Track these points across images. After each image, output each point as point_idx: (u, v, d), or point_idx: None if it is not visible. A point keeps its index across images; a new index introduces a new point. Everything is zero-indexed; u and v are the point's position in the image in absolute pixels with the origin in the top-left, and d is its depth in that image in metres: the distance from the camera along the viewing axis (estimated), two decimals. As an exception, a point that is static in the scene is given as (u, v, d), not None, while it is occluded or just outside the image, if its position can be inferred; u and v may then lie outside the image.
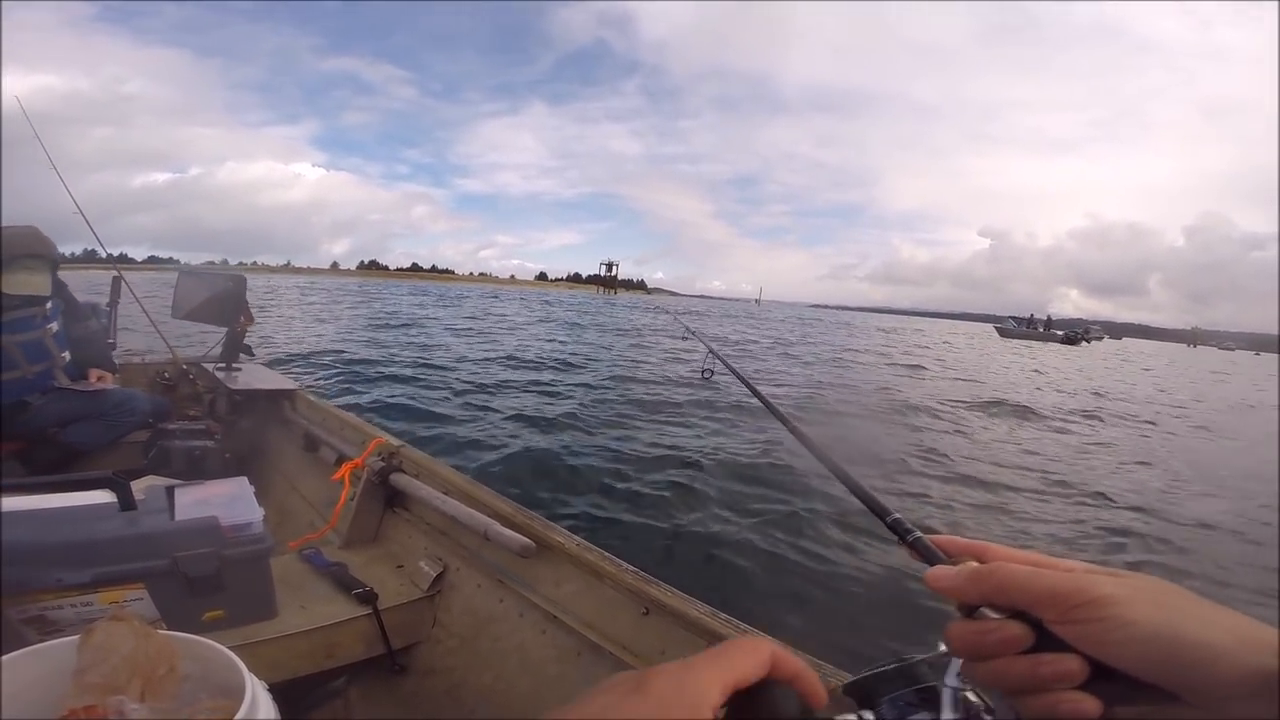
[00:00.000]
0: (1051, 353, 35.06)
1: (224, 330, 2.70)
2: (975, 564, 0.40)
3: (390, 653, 1.36)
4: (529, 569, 1.33)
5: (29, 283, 2.07)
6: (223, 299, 2.66)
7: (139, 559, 1.07)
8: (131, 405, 2.39)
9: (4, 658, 0.75)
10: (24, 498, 1.10)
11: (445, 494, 1.53)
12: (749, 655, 0.34)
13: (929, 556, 0.43)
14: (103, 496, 1.25)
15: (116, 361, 2.72)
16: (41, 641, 0.88)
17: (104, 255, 3.23)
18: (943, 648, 0.41)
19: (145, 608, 1.08)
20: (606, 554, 1.23)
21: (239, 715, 0.69)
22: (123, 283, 3.02)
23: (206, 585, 1.12)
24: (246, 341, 2.72)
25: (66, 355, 2.35)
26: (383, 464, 1.70)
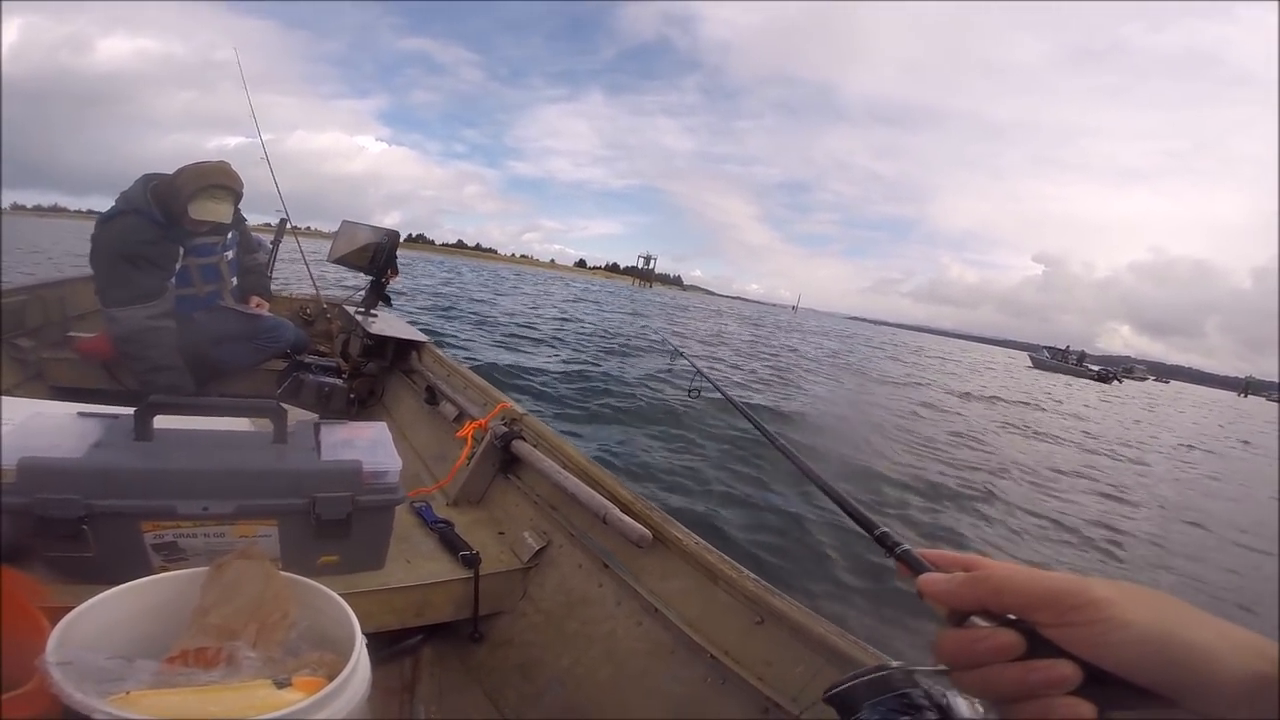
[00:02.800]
0: (1075, 387, 34.32)
1: (369, 280, 2.81)
2: (962, 574, 0.39)
3: (475, 618, 1.35)
4: (637, 559, 1.28)
5: (215, 210, 2.22)
6: (375, 250, 2.78)
7: (282, 495, 1.08)
8: (280, 333, 2.56)
9: (125, 585, 0.75)
10: (185, 419, 1.13)
11: (564, 469, 1.50)
12: None
13: (917, 569, 0.43)
14: (252, 424, 1.28)
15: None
16: (165, 569, 0.89)
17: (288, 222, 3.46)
18: (926, 664, 0.40)
19: (271, 545, 1.09)
20: (726, 557, 1.16)
21: (343, 673, 0.66)
22: (288, 223, 3.24)
23: (335, 529, 1.12)
24: (387, 293, 2.83)
25: (234, 280, 2.55)
26: (506, 429, 1.70)
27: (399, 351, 2.72)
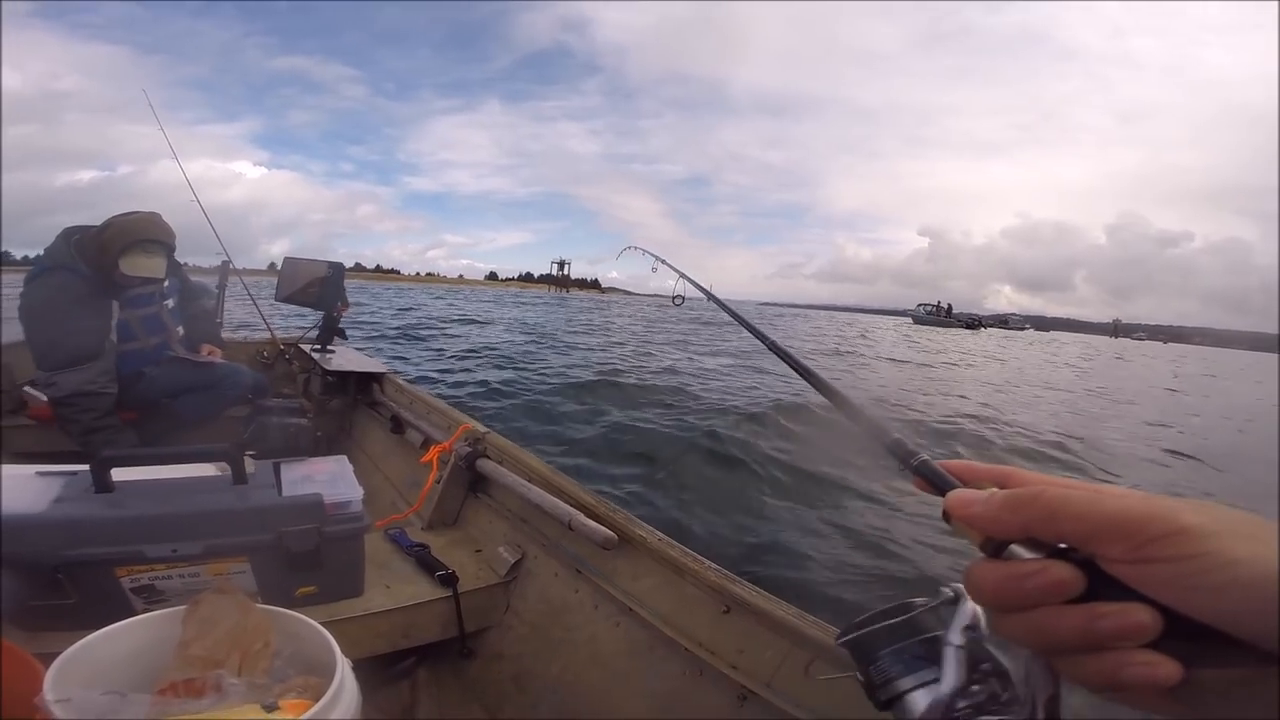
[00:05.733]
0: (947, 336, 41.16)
1: (320, 314, 2.82)
2: (1003, 490, 0.32)
3: (462, 636, 1.38)
4: (608, 561, 1.32)
5: (147, 265, 2.20)
6: (323, 284, 2.78)
7: (247, 532, 1.11)
8: (237, 379, 2.52)
9: (113, 626, 0.78)
10: (145, 469, 1.16)
11: (529, 481, 1.53)
12: None
13: (941, 484, 0.35)
14: (214, 469, 1.31)
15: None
16: (147, 610, 0.92)
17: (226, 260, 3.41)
18: (947, 592, 0.35)
19: (246, 581, 1.13)
20: (689, 550, 1.21)
21: (328, 693, 0.70)
22: (230, 266, 3.21)
23: (305, 561, 1.16)
24: (340, 325, 2.83)
25: (180, 330, 2.50)
26: (469, 449, 1.73)
27: (361, 385, 2.73)
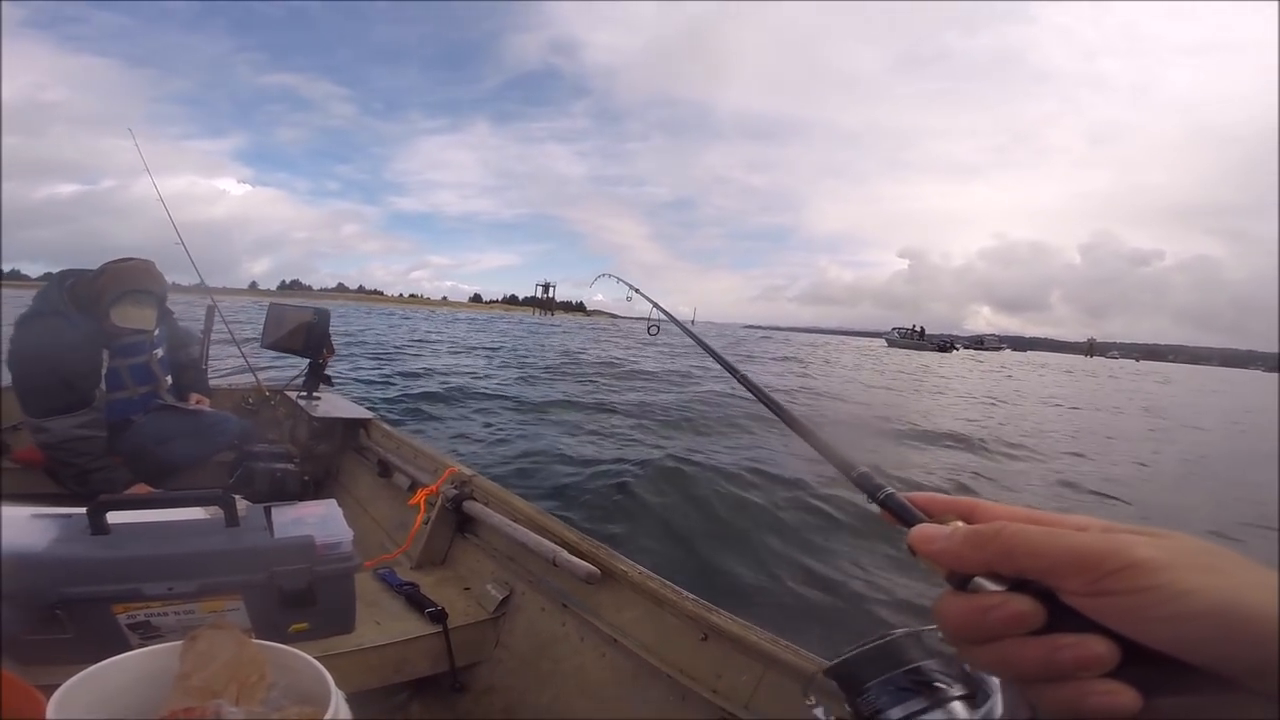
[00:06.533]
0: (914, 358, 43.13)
1: (306, 360, 2.85)
2: (965, 524, 0.33)
3: (453, 670, 1.41)
4: (592, 595, 1.37)
5: (138, 316, 2.21)
6: (308, 331, 2.82)
7: (240, 571, 1.15)
8: (224, 426, 2.54)
9: (114, 658, 0.82)
10: (139, 513, 1.20)
11: (515, 521, 1.58)
12: None
13: (906, 516, 0.36)
14: (205, 513, 1.34)
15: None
16: (143, 645, 0.96)
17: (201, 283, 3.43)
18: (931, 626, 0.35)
19: (240, 618, 1.17)
20: (668, 582, 1.26)
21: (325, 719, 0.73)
22: (216, 311, 3.24)
23: (297, 599, 1.20)
24: (327, 372, 2.87)
25: (169, 379, 2.51)
26: (456, 491, 1.77)
27: (348, 430, 2.76)
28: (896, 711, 0.35)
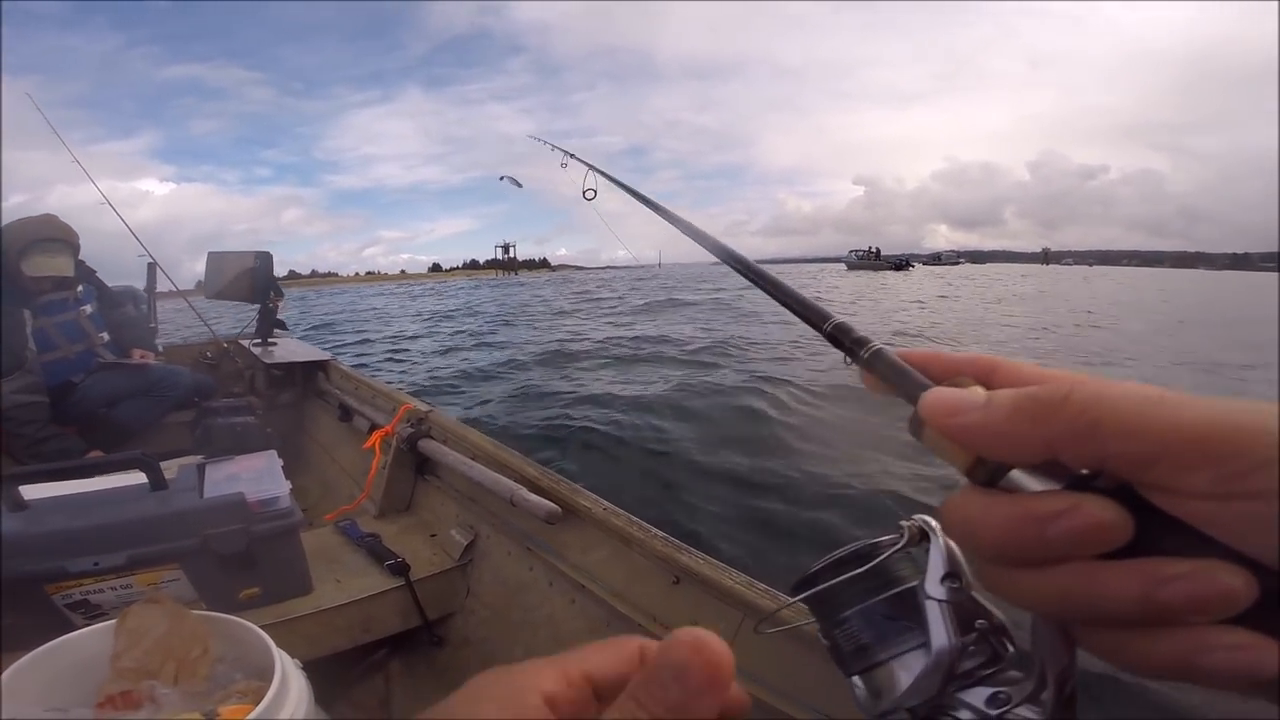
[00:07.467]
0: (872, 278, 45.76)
1: (256, 307, 2.74)
2: (986, 389, 0.23)
3: (427, 624, 1.37)
4: (556, 535, 1.31)
5: (51, 264, 2.14)
6: (252, 276, 2.69)
7: (170, 539, 1.08)
8: (174, 380, 2.45)
9: (53, 642, 0.77)
10: (58, 484, 1.12)
11: (472, 459, 1.50)
12: (607, 651, 0.24)
13: (902, 381, 0.25)
14: (135, 478, 1.28)
15: (159, 345, 2.80)
16: (86, 625, 0.91)
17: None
18: (912, 528, 0.27)
19: (183, 589, 1.11)
20: (634, 518, 1.19)
21: (267, 696, 0.69)
22: (158, 268, 3.09)
23: (238, 562, 1.13)
24: (279, 316, 2.76)
25: (105, 336, 2.42)
26: (411, 430, 1.69)
27: (308, 375, 2.67)
28: (884, 647, 0.26)
